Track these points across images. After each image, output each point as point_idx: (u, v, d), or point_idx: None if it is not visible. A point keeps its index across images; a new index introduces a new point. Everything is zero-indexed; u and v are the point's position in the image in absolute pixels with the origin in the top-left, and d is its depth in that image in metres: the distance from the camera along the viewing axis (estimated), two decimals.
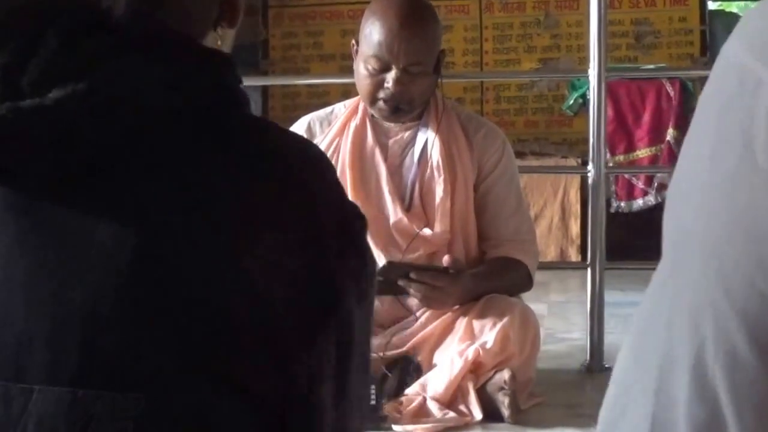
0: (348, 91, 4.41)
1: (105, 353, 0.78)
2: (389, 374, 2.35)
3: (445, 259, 2.42)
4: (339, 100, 2.75)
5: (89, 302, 0.78)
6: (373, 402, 2.19)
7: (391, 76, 2.44)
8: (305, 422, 0.82)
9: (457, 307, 2.47)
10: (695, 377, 0.54)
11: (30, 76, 0.81)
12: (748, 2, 6.99)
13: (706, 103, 0.59)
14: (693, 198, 0.58)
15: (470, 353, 2.30)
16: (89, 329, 0.78)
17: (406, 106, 2.49)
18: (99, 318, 0.78)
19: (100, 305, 0.78)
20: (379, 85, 2.46)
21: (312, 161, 0.88)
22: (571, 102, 5.54)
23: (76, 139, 0.80)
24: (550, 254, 5.12)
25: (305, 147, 0.90)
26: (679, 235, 0.59)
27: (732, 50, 0.57)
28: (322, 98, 5.73)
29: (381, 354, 2.36)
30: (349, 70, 2.68)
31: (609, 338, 2.84)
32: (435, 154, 2.53)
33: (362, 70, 2.47)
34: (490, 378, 2.31)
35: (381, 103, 2.48)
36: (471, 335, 2.38)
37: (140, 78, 0.82)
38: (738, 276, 0.53)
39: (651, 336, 0.60)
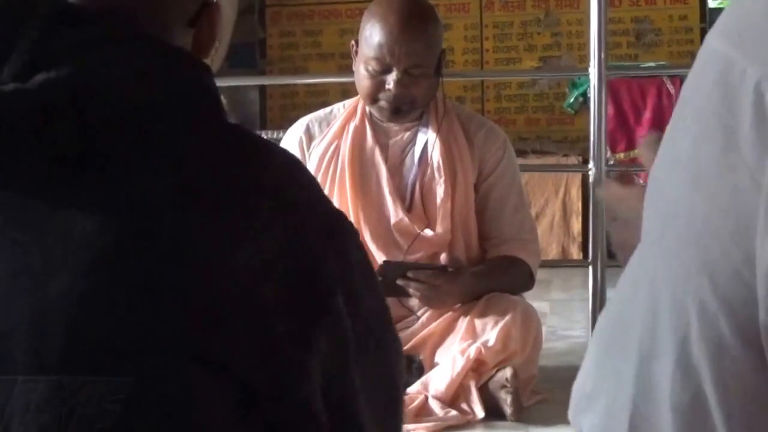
0: (347, 90, 4.41)
1: (91, 339, 0.77)
2: None
3: (443, 257, 2.42)
4: (338, 100, 2.74)
5: (73, 288, 0.78)
6: None
7: (392, 78, 2.42)
8: (295, 417, 0.82)
9: (458, 306, 2.47)
10: (679, 363, 0.54)
11: (12, 67, 0.80)
12: None
13: (688, 93, 0.59)
14: (675, 188, 0.57)
15: (472, 352, 2.30)
16: (74, 316, 0.77)
17: (407, 108, 2.47)
18: (83, 304, 0.78)
19: (84, 290, 0.78)
20: (380, 86, 2.44)
21: (288, 168, 0.89)
22: (572, 100, 5.54)
23: (57, 125, 0.79)
24: (552, 252, 5.13)
25: (281, 155, 0.90)
26: (660, 224, 0.59)
27: (714, 41, 0.57)
28: (320, 97, 5.73)
29: None
30: (347, 70, 2.67)
31: None
32: (435, 155, 2.52)
33: (363, 72, 2.46)
34: (492, 376, 2.30)
35: (382, 103, 2.46)
36: (473, 334, 2.38)
37: (126, 68, 0.82)
38: (723, 268, 0.53)
39: (630, 321, 0.60)
